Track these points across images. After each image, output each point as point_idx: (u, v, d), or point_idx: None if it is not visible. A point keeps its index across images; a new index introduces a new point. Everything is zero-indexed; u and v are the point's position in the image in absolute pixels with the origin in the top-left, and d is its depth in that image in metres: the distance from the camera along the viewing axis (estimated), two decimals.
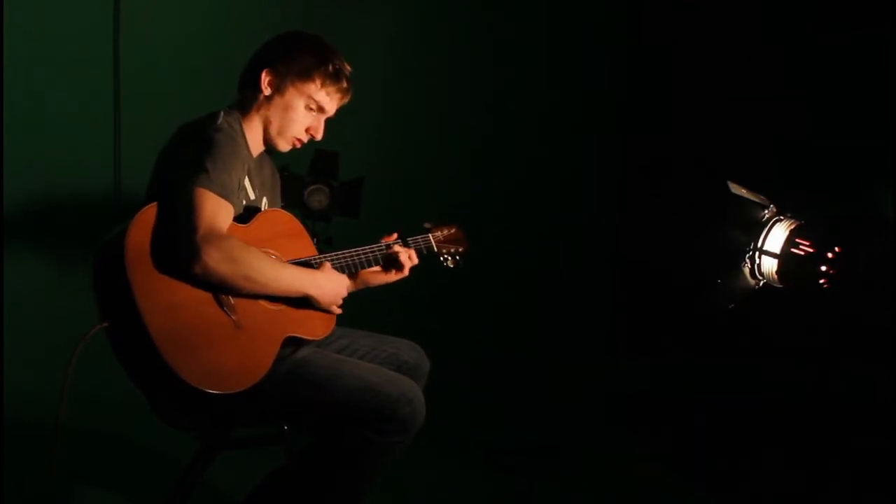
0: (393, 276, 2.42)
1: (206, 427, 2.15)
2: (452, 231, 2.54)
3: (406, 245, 2.40)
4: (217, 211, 1.90)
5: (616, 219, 4.56)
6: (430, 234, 2.48)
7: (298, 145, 2.24)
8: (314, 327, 2.14)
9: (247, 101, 2.20)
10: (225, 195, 1.93)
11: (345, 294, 2.18)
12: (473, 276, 4.36)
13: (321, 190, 3.46)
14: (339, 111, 2.27)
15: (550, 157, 4.43)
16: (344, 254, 2.25)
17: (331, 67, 2.18)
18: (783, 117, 4.32)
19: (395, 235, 2.42)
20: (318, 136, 2.24)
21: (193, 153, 1.96)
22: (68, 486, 2.85)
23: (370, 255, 2.32)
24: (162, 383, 1.86)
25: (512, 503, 3.02)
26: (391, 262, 2.38)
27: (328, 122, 2.26)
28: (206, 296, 1.93)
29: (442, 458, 3.30)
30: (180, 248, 1.86)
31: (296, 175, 3.50)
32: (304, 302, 2.09)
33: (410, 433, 2.08)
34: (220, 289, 1.92)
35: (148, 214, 1.91)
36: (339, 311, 2.18)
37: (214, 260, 1.86)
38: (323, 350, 2.22)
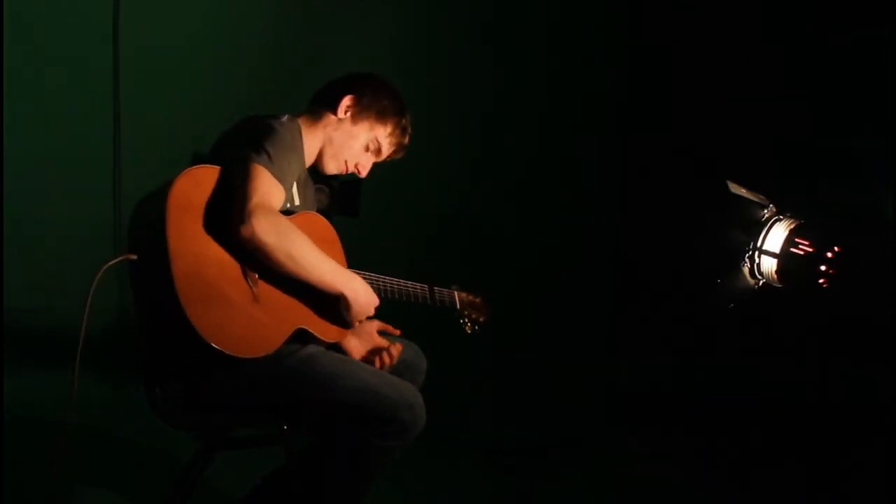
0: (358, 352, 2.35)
1: (206, 427, 2.15)
2: (477, 300, 2.60)
3: (431, 291, 2.43)
4: (272, 189, 1.95)
5: (616, 219, 4.56)
6: (455, 293, 2.53)
7: (343, 171, 2.34)
8: (327, 329, 2.15)
9: (315, 115, 2.28)
10: (280, 178, 1.97)
11: (371, 312, 2.17)
12: (473, 276, 4.36)
13: (320, 189, 3.45)
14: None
15: (550, 157, 4.43)
16: (368, 276, 2.25)
17: (404, 121, 2.36)
18: (783, 117, 4.32)
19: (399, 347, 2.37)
20: (364, 174, 2.35)
21: (256, 137, 2.01)
22: (68, 486, 2.85)
23: (403, 288, 2.33)
24: (170, 330, 1.87)
25: (512, 503, 3.02)
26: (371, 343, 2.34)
27: None
28: (233, 261, 1.96)
29: (442, 458, 3.30)
30: (233, 210, 1.90)
31: None
32: (328, 305, 2.09)
33: (410, 437, 2.08)
34: (261, 259, 1.93)
35: (200, 170, 1.96)
36: (357, 325, 2.18)
37: (263, 228, 1.88)
38: (328, 349, 2.22)
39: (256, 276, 1.99)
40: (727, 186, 2.49)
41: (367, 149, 2.31)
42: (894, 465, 3.29)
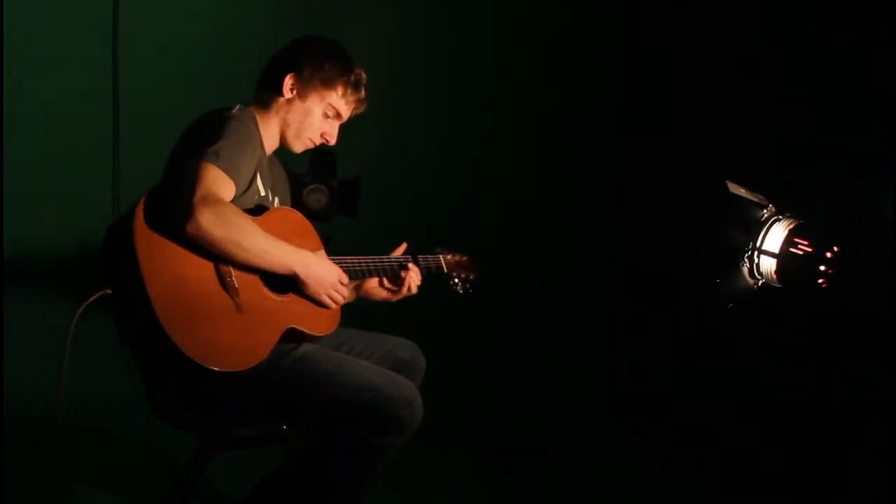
0: (395, 296, 2.42)
1: (206, 426, 2.15)
2: (464, 259, 2.57)
3: (416, 263, 2.40)
4: (219, 181, 1.92)
5: (616, 219, 4.55)
6: (440, 256, 2.50)
7: (311, 146, 2.29)
8: (316, 323, 2.14)
9: (265, 101, 2.24)
10: (230, 173, 1.95)
11: (335, 284, 2.14)
12: (473, 276, 4.34)
13: (320, 189, 3.46)
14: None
15: (550, 158, 4.43)
16: (352, 260, 2.25)
17: (353, 77, 2.25)
18: (783, 117, 4.31)
19: (403, 246, 2.41)
20: (333, 141, 2.30)
21: (206, 135, 1.99)
22: (68, 485, 2.86)
23: (379, 266, 2.32)
24: (160, 355, 1.86)
25: (512, 503, 3.02)
26: (397, 280, 2.39)
27: None
28: (210, 274, 1.94)
29: (442, 458, 3.30)
30: (176, 208, 1.87)
31: (294, 175, 3.50)
32: (307, 296, 2.09)
33: (408, 435, 2.08)
34: (211, 252, 1.92)
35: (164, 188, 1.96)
36: (329, 302, 2.15)
37: (208, 221, 1.86)
38: (323, 348, 2.22)
39: (236, 285, 1.97)
40: (727, 186, 2.49)
41: (326, 116, 2.25)
42: (894, 465, 3.29)
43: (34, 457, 2.87)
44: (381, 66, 4.09)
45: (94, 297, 1.93)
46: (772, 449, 3.63)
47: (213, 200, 1.88)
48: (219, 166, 1.93)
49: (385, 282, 2.41)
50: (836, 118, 4.28)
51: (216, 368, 1.87)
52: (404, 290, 2.39)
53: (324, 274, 2.11)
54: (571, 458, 3.44)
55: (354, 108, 2.30)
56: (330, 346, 2.29)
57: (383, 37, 4.10)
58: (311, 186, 3.45)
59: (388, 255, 2.37)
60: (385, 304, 2.45)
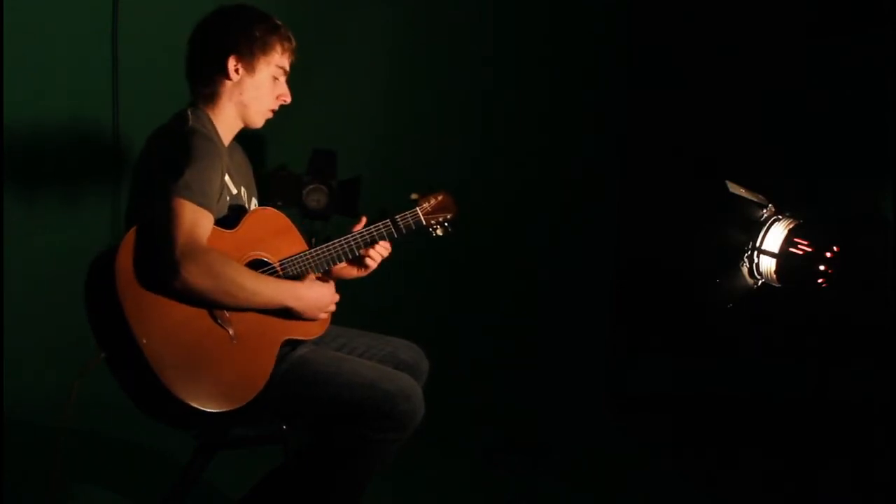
0: (363, 272, 2.39)
1: (206, 426, 2.15)
2: (440, 199, 2.48)
3: (395, 223, 2.34)
4: (196, 222, 1.89)
5: (616, 219, 4.55)
6: (417, 209, 2.41)
7: (271, 115, 2.25)
8: (309, 328, 2.14)
9: (210, 93, 2.17)
10: (204, 204, 1.92)
11: (329, 302, 2.14)
12: (473, 275, 4.34)
13: (319, 189, 3.47)
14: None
15: (550, 157, 4.43)
16: (332, 244, 2.23)
17: (281, 30, 2.21)
18: (783, 117, 4.31)
19: (363, 221, 2.34)
20: (288, 100, 2.24)
21: (169, 161, 1.94)
22: (68, 486, 2.86)
23: (363, 238, 2.29)
24: (167, 406, 1.87)
25: (511, 503, 3.02)
26: (360, 258, 2.34)
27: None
28: (200, 311, 1.92)
29: (441, 457, 3.30)
30: (159, 263, 1.85)
31: (294, 175, 3.50)
32: (290, 312, 2.07)
33: (409, 430, 2.08)
34: (201, 303, 1.91)
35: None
36: (325, 316, 2.15)
37: (194, 275, 1.84)
38: (321, 348, 2.22)
39: (228, 315, 1.95)
40: (727, 186, 2.49)
41: (275, 79, 2.20)
42: (894, 465, 3.29)
43: (33, 456, 2.87)
44: (380, 65, 4.10)
45: (92, 365, 1.92)
46: (771, 449, 3.63)
47: (195, 251, 1.85)
48: (192, 200, 1.89)
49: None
50: (837, 118, 4.28)
51: (222, 410, 1.88)
52: (373, 264, 2.36)
53: (315, 298, 2.10)
54: (571, 458, 3.43)
55: (292, 57, 2.24)
56: (332, 346, 2.29)
57: (383, 36, 4.10)
58: (311, 186, 3.45)
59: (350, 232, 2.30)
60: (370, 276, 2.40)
